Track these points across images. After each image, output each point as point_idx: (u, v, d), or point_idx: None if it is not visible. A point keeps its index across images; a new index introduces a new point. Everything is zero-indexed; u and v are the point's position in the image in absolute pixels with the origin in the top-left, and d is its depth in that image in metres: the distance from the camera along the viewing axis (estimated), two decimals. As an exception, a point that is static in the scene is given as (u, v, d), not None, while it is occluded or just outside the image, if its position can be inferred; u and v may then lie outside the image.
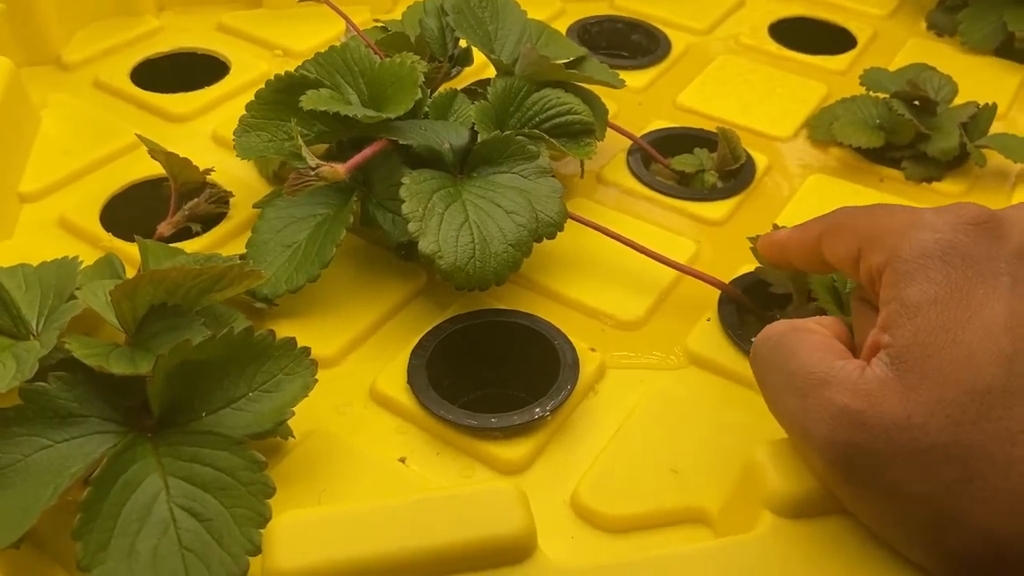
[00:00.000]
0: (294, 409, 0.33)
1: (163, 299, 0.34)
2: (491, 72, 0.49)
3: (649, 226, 0.48)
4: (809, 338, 0.30)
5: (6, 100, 0.49)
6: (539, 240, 0.42)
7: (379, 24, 0.53)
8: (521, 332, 0.41)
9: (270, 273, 0.41)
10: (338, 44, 0.46)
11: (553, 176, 0.43)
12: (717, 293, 0.43)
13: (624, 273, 0.45)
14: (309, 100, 0.42)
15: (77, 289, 0.36)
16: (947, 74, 0.54)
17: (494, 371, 0.42)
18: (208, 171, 0.47)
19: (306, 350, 0.34)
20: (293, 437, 0.36)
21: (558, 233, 0.42)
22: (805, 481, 0.29)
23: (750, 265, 0.44)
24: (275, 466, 0.35)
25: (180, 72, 0.59)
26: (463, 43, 0.51)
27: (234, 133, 0.44)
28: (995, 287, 0.26)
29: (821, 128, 0.55)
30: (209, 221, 0.47)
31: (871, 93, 0.55)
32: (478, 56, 0.51)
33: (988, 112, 0.53)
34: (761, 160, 0.53)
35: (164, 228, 0.45)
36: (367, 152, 0.42)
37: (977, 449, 0.24)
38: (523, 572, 0.27)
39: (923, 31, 0.66)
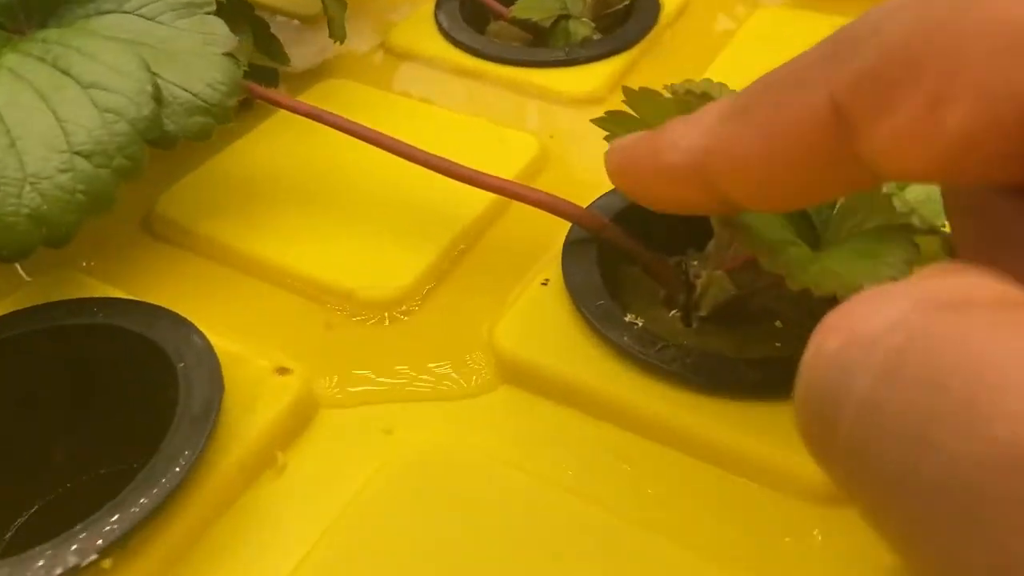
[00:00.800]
0: None
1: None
2: None
3: (462, 117, 0.26)
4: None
5: None
6: (169, 143, 0.20)
7: None
8: (118, 345, 0.19)
9: None
10: None
11: (216, 16, 0.21)
12: (564, 231, 0.21)
13: (392, 210, 0.23)
14: None
15: None
16: None
17: (66, 426, 0.20)
18: None
19: None
20: None
21: (214, 129, 0.20)
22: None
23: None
24: None
25: None
26: None
27: None
28: None
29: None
30: None
31: None
32: None
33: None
34: (672, -5, 0.31)
35: None
36: None
37: None
38: None
39: None
